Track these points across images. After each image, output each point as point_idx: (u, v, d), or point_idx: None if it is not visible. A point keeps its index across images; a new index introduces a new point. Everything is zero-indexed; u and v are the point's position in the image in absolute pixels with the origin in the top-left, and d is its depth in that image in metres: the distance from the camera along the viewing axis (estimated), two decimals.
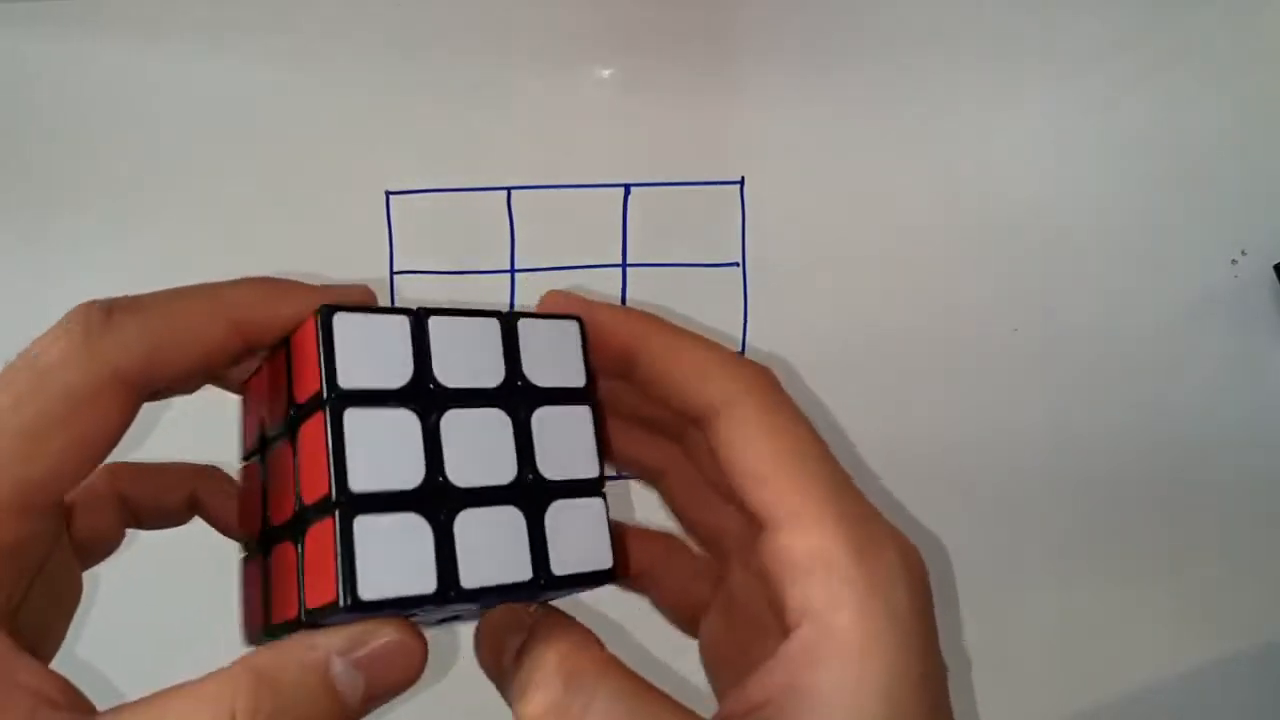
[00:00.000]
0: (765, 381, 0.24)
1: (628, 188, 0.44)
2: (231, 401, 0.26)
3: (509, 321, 0.23)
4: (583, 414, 0.23)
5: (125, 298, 0.22)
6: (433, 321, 0.22)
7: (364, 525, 0.20)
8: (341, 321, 0.21)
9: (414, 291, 0.44)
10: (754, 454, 0.22)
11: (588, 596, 0.27)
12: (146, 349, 0.21)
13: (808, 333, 0.44)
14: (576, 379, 0.24)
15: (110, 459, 0.22)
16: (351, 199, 0.43)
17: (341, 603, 0.19)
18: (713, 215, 0.45)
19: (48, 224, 0.44)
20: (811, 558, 0.21)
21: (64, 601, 0.24)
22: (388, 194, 0.44)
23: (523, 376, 0.23)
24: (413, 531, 0.21)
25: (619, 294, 0.44)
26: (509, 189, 0.44)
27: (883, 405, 0.45)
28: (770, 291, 0.45)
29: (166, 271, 0.43)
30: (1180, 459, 0.45)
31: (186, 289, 0.23)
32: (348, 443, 0.20)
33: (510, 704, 0.22)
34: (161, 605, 0.43)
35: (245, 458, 0.26)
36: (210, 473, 0.27)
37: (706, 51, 0.44)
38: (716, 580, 0.27)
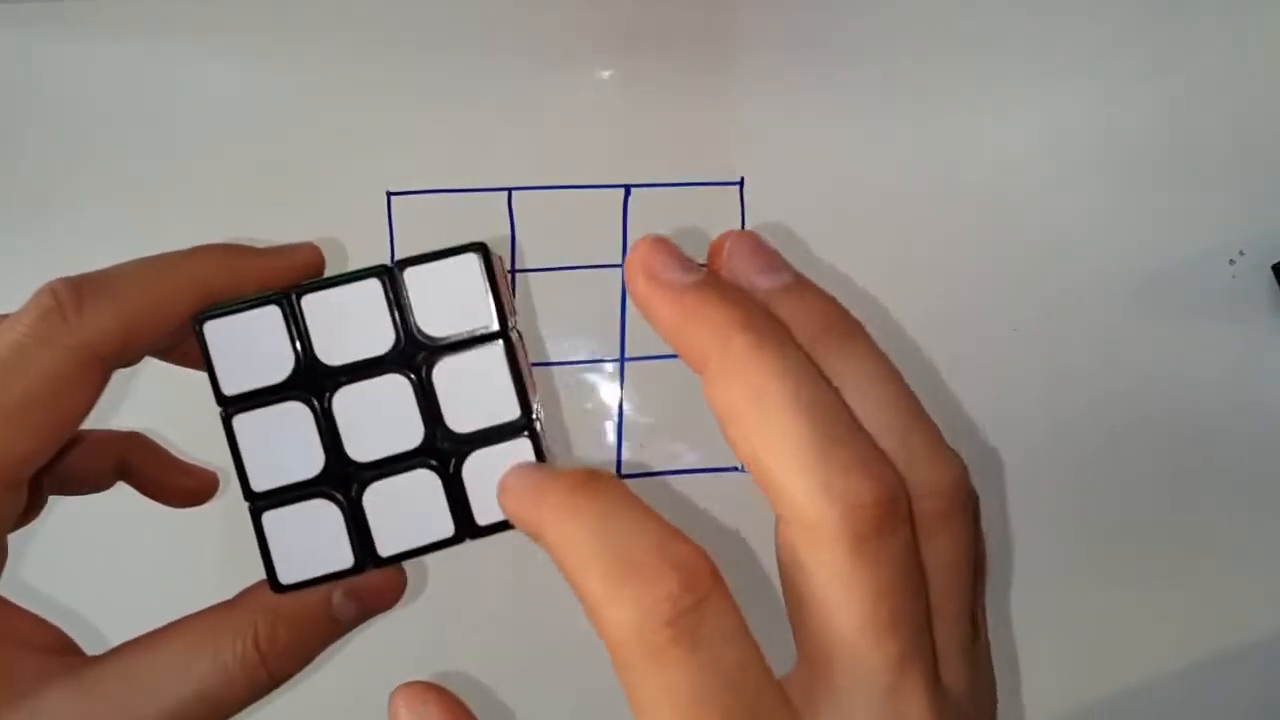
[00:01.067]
0: (821, 525, 0.18)
1: (628, 188, 0.44)
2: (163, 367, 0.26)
3: (392, 276, 0.22)
4: (494, 354, 0.22)
5: (91, 275, 0.23)
6: (306, 301, 0.22)
7: (272, 519, 0.22)
8: (213, 329, 0.22)
9: None
10: (787, 589, 0.19)
11: None
12: (121, 326, 0.22)
13: None
14: (482, 319, 0.22)
15: None
16: (352, 199, 0.44)
17: (271, 588, 0.22)
18: (713, 215, 0.45)
19: (48, 223, 0.44)
20: (798, 592, 0.19)
21: None
22: (389, 194, 0.44)
23: (417, 331, 0.22)
24: (321, 515, 0.22)
25: (619, 294, 0.44)
26: (509, 189, 0.44)
27: None
28: None
29: None
30: (1180, 458, 0.46)
31: (150, 260, 0.23)
32: (242, 448, 0.22)
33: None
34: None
35: None
36: (136, 440, 0.28)
37: (707, 51, 0.44)
38: None
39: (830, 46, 0.45)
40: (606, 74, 0.44)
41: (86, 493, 0.27)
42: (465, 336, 0.22)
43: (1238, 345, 0.45)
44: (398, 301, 0.22)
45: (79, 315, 0.22)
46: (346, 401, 0.22)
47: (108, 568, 0.42)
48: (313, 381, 0.22)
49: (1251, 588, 0.46)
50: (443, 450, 0.22)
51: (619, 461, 0.45)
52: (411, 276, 0.22)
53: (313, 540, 0.22)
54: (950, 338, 0.45)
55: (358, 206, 0.44)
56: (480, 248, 0.22)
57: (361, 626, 0.23)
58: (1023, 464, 0.45)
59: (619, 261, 0.45)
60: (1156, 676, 0.47)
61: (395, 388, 0.22)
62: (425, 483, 0.22)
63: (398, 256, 0.22)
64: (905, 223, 0.45)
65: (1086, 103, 0.45)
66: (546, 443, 0.23)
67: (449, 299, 0.22)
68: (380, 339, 0.22)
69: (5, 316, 0.22)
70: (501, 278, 0.23)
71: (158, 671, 0.21)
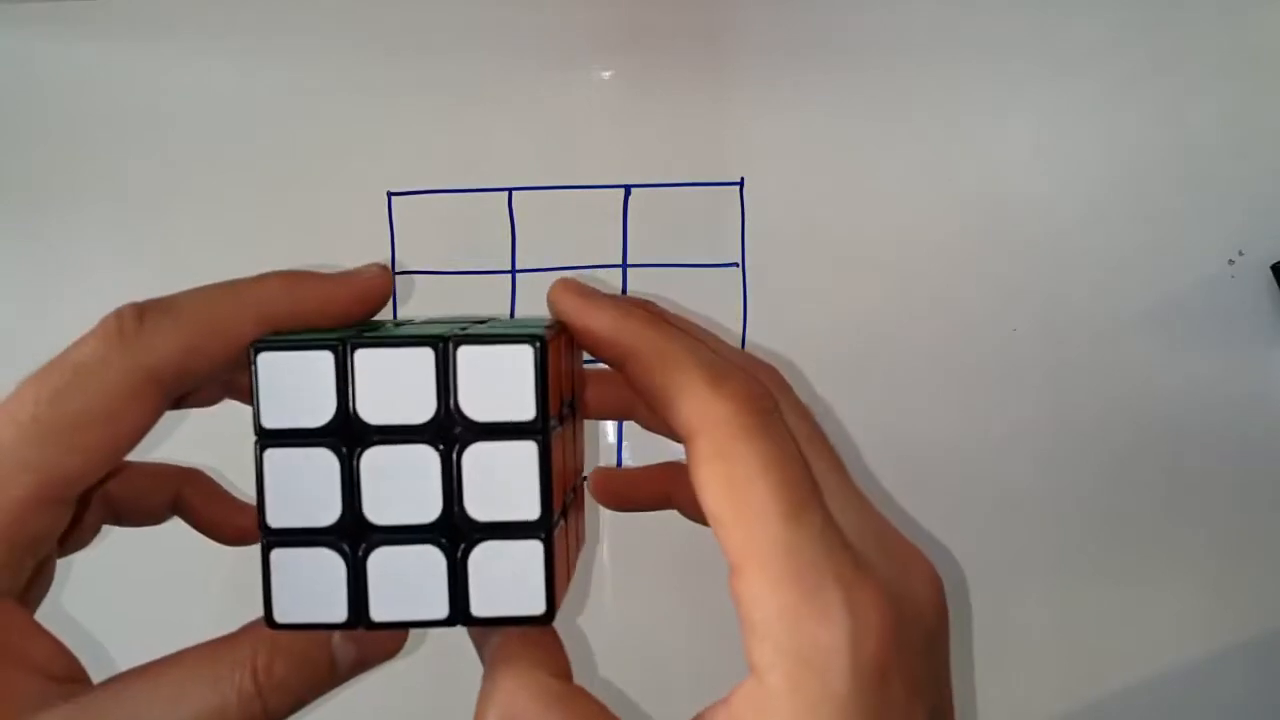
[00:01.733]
0: (731, 412, 0.21)
1: (628, 188, 0.44)
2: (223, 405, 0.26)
3: (446, 350, 0.22)
4: (527, 450, 0.22)
5: (156, 300, 0.23)
6: (359, 355, 0.22)
7: (279, 558, 0.22)
8: (267, 361, 0.22)
9: (415, 290, 0.44)
10: (709, 494, 0.21)
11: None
12: (180, 349, 0.22)
13: (807, 332, 0.44)
14: (523, 413, 0.22)
15: None
16: (353, 199, 0.44)
17: (266, 624, 0.22)
18: (713, 215, 0.45)
19: (48, 223, 0.44)
20: (751, 612, 0.20)
21: (39, 584, 0.24)
22: (389, 194, 0.44)
23: (457, 409, 0.22)
24: (326, 564, 0.22)
25: (619, 294, 0.44)
26: (510, 189, 0.44)
27: (882, 405, 0.45)
28: (770, 291, 0.45)
29: (166, 271, 0.43)
30: (1179, 458, 0.46)
31: (213, 287, 0.24)
32: (267, 482, 0.22)
33: None
34: (161, 582, 0.43)
35: None
36: (194, 476, 0.28)
37: (707, 52, 0.44)
38: None
39: (830, 47, 0.45)
40: (606, 74, 0.44)
41: (141, 524, 0.27)
42: (504, 424, 0.22)
43: (1237, 345, 0.45)
44: (445, 376, 0.22)
45: (138, 337, 0.22)
46: (374, 461, 0.22)
47: (135, 597, 0.42)
48: (347, 434, 0.22)
49: (1251, 587, 0.46)
50: (455, 531, 0.22)
51: (619, 461, 0.45)
52: (465, 355, 0.22)
53: (313, 587, 0.22)
54: (949, 338, 0.45)
55: (358, 206, 0.44)
56: (538, 340, 0.21)
57: (361, 677, 0.23)
58: (1023, 463, 0.45)
59: (619, 261, 0.45)
60: (1156, 676, 0.47)
61: (424, 459, 0.22)
62: (430, 560, 0.22)
63: (458, 332, 0.22)
64: (905, 222, 0.45)
65: (1086, 103, 0.45)
66: (568, 554, 0.24)
67: (497, 384, 0.22)
68: (421, 408, 0.22)
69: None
70: (561, 373, 0.23)
71: (155, 701, 0.21)
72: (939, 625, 0.22)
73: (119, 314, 0.22)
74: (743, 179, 0.44)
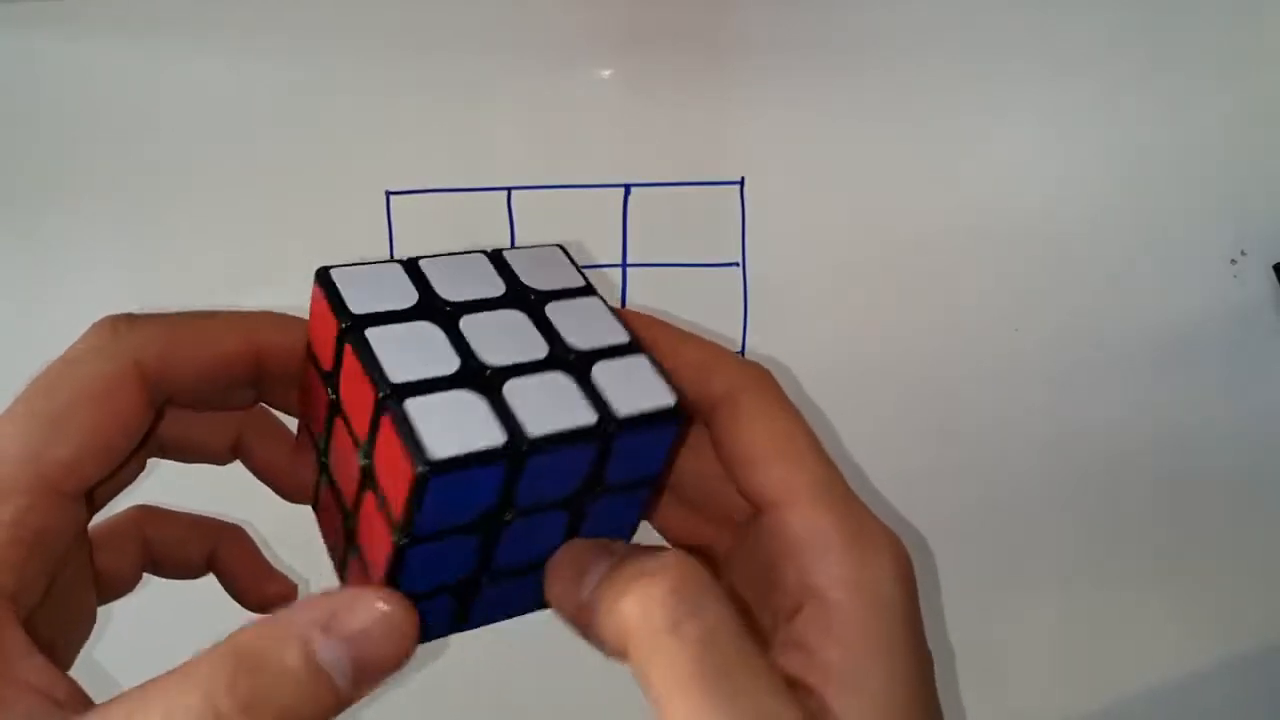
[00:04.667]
0: (763, 377, 0.25)
1: (628, 188, 0.44)
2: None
3: (496, 254, 0.25)
4: (594, 303, 0.24)
5: (150, 311, 0.24)
6: (424, 262, 0.24)
7: (417, 404, 0.20)
8: (340, 273, 0.23)
9: None
10: (752, 441, 0.24)
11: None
12: (165, 345, 0.23)
13: (808, 332, 0.44)
14: (576, 281, 0.25)
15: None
16: (352, 199, 0.43)
17: (417, 470, 0.19)
18: (713, 215, 0.45)
19: (46, 222, 0.44)
20: (808, 534, 0.22)
21: (77, 627, 0.24)
22: (388, 194, 0.44)
23: (524, 286, 0.24)
24: (466, 402, 0.21)
25: (619, 294, 0.44)
26: (509, 189, 0.44)
27: (882, 404, 0.45)
28: (770, 291, 0.45)
29: (165, 270, 0.43)
30: (1180, 459, 0.45)
31: (207, 309, 0.25)
32: (376, 350, 0.21)
33: (591, 635, 0.21)
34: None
35: (314, 504, 0.26)
36: (234, 533, 0.28)
37: (707, 51, 0.44)
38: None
39: (830, 46, 0.44)
40: (606, 74, 0.44)
41: (179, 577, 0.27)
42: (565, 289, 0.24)
43: (1239, 345, 0.45)
44: (503, 267, 0.24)
45: (129, 332, 0.23)
46: (472, 324, 0.23)
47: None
48: (439, 310, 0.23)
49: (1252, 589, 0.46)
50: (569, 361, 0.23)
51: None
52: (511, 256, 0.25)
53: (459, 422, 0.20)
54: (951, 337, 0.45)
55: (357, 206, 0.43)
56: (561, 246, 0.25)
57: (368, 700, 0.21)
58: (1024, 463, 0.45)
59: (619, 261, 0.44)
60: (1155, 679, 0.47)
61: (515, 318, 0.23)
62: (558, 381, 0.22)
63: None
64: (905, 223, 0.45)
65: (1087, 102, 0.45)
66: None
67: (545, 271, 0.25)
68: (493, 288, 0.24)
69: None
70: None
71: None
72: None
73: (113, 316, 0.23)
74: (743, 178, 0.44)
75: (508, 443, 0.20)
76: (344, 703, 0.20)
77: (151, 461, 0.27)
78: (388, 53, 0.44)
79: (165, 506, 0.27)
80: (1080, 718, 0.46)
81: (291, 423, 0.27)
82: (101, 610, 0.25)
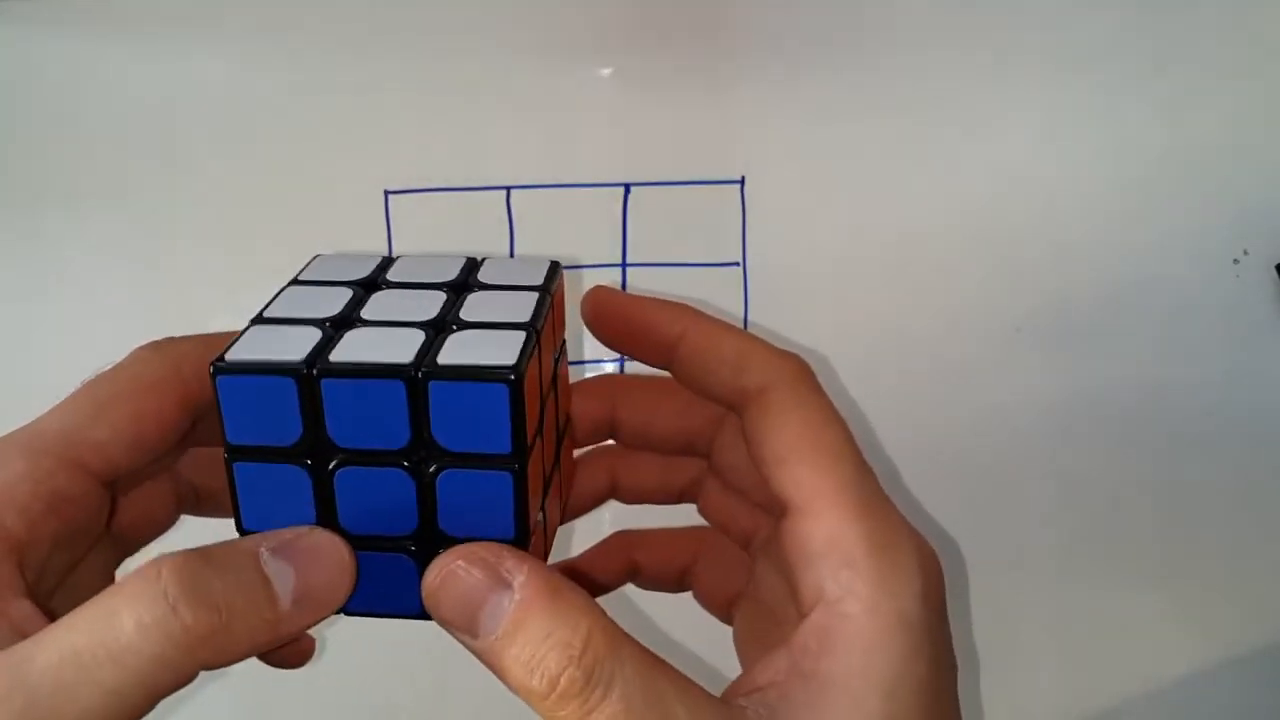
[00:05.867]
0: (800, 370, 0.24)
1: (628, 187, 0.44)
2: None
3: (473, 259, 0.25)
4: (528, 296, 0.24)
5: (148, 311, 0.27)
6: (402, 258, 0.25)
7: (257, 329, 0.23)
8: (328, 255, 0.25)
9: None
10: (781, 438, 0.23)
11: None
12: (204, 354, 0.24)
13: (808, 332, 0.44)
14: (533, 281, 0.25)
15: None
16: (351, 198, 0.43)
17: (211, 366, 0.21)
18: (713, 215, 0.44)
19: (46, 222, 0.44)
20: (827, 545, 0.22)
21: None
22: (387, 193, 0.43)
23: (472, 279, 0.25)
24: (300, 335, 0.22)
25: None
26: (508, 188, 0.44)
27: (883, 405, 0.45)
28: (770, 291, 0.45)
29: (164, 270, 0.43)
30: (1182, 459, 0.45)
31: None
32: (281, 297, 0.24)
33: (491, 665, 0.21)
34: None
35: None
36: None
37: (707, 51, 0.44)
38: (749, 572, 0.28)
39: (830, 45, 0.44)
40: (606, 72, 0.44)
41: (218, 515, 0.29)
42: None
43: (1241, 345, 0.45)
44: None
45: (171, 344, 0.25)
46: (386, 294, 0.24)
47: None
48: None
49: (1255, 589, 0.46)
50: (442, 324, 0.23)
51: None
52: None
53: (278, 344, 0.22)
54: (952, 337, 0.45)
55: (356, 205, 0.43)
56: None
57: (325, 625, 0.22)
58: (1024, 463, 0.45)
59: (619, 261, 0.44)
60: (1155, 679, 0.46)
61: (430, 295, 0.24)
62: (408, 335, 0.22)
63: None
64: (906, 222, 0.45)
65: (1088, 101, 0.45)
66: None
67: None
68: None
69: None
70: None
71: (91, 630, 0.19)
72: None
73: (156, 339, 0.26)
74: (743, 177, 0.44)
75: (301, 361, 0.21)
76: (284, 622, 0.21)
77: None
78: (387, 52, 0.43)
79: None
80: (1083, 715, 0.46)
81: None
82: None
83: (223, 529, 0.23)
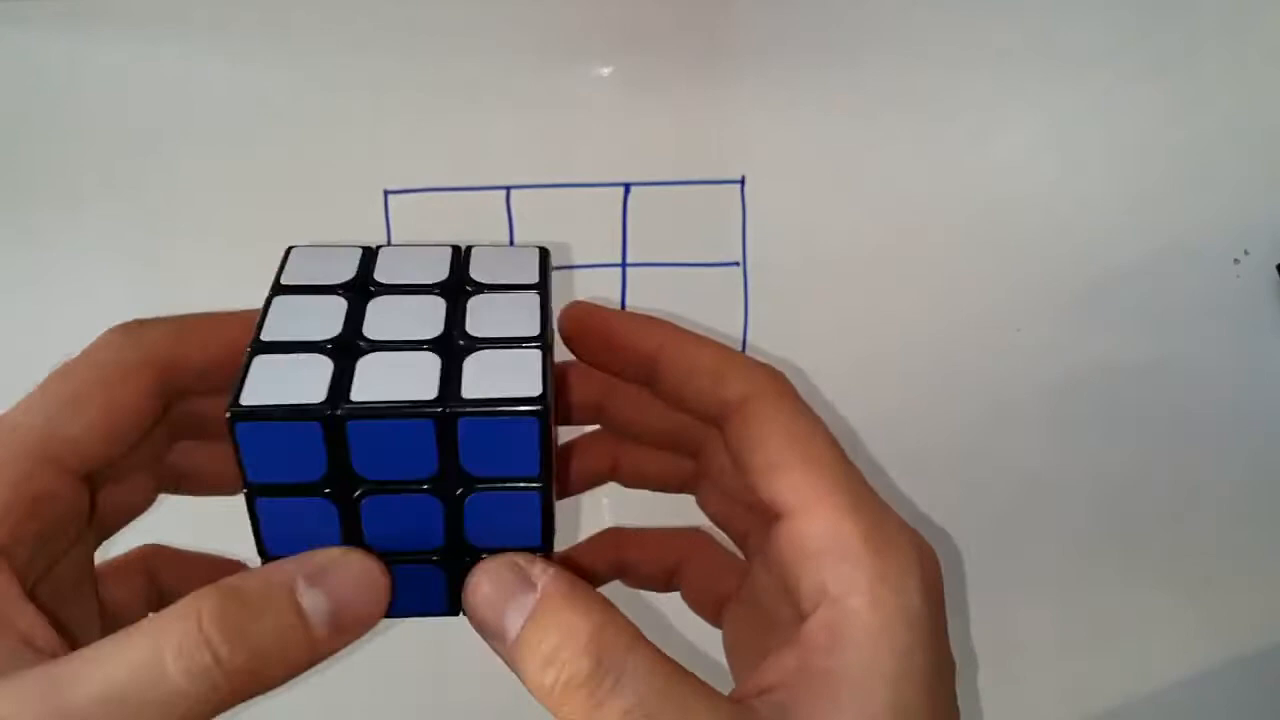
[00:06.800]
0: (779, 381, 0.25)
1: (627, 187, 0.44)
2: None
3: (459, 248, 0.25)
4: (530, 297, 0.24)
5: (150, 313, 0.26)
6: (384, 250, 0.25)
7: (265, 360, 0.22)
8: (301, 250, 0.25)
9: None
10: (769, 446, 0.23)
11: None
12: (175, 338, 0.25)
13: (809, 333, 0.44)
14: (528, 278, 0.24)
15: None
16: (350, 198, 0.43)
17: (225, 415, 0.21)
18: (713, 215, 0.44)
19: (46, 222, 0.44)
20: (826, 543, 0.22)
21: (81, 635, 0.24)
22: (386, 193, 0.43)
23: (467, 278, 0.24)
24: (313, 366, 0.22)
25: (619, 294, 0.44)
26: (508, 188, 0.44)
27: (884, 405, 0.45)
28: (770, 291, 0.45)
29: (164, 270, 0.43)
30: (1183, 459, 0.45)
31: (215, 311, 0.26)
32: (270, 313, 0.23)
33: (515, 667, 0.21)
34: None
35: None
36: (238, 570, 0.28)
37: (707, 50, 0.44)
38: (741, 574, 0.28)
39: (831, 45, 0.44)
40: (606, 72, 0.44)
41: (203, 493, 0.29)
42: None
43: (1242, 345, 0.45)
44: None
45: (141, 329, 0.25)
46: (381, 304, 0.23)
47: None
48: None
49: (1253, 589, 0.46)
50: (455, 345, 0.22)
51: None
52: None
53: (294, 380, 0.21)
54: (952, 338, 0.45)
55: (355, 205, 0.43)
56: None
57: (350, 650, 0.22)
58: (1024, 464, 0.45)
59: (618, 261, 0.44)
60: (1156, 680, 0.46)
61: (430, 302, 0.24)
62: (425, 360, 0.22)
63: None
64: (906, 222, 0.45)
65: (1088, 101, 0.45)
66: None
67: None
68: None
69: None
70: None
71: (126, 665, 0.20)
72: None
73: (125, 321, 0.25)
74: (744, 177, 0.44)
75: (322, 403, 0.21)
76: (319, 649, 0.21)
77: (162, 498, 0.28)
78: (386, 51, 0.43)
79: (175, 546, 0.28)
80: (1085, 716, 0.46)
81: None
82: None
83: (202, 506, 0.23)
